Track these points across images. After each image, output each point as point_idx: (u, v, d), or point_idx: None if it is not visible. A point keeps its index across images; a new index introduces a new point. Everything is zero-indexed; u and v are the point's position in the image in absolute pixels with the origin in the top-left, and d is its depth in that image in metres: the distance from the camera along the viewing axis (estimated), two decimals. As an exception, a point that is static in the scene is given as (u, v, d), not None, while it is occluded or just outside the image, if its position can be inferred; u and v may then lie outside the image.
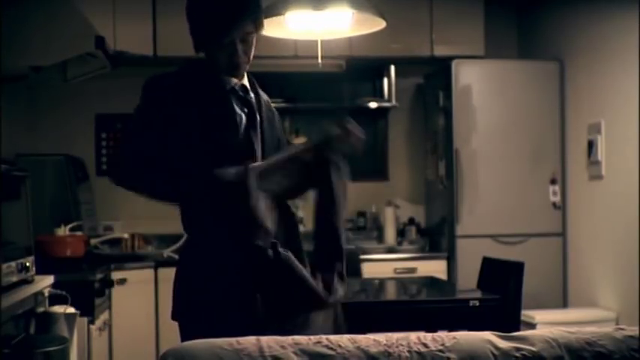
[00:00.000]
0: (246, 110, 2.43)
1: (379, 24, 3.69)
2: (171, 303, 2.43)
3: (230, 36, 2.35)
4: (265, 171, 2.31)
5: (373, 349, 1.91)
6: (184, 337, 2.30)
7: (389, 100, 5.57)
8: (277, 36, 3.82)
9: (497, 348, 1.96)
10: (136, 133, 2.36)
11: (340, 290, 2.36)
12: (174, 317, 2.42)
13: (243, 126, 2.41)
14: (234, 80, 2.44)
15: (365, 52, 5.20)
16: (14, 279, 3.03)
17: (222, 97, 2.41)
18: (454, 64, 5.17)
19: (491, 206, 5.15)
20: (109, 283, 4.16)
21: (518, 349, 1.97)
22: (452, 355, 1.93)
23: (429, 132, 5.66)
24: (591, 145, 4.83)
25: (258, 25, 2.41)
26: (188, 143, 2.33)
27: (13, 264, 3.02)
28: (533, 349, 1.97)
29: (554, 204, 5.20)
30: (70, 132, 5.44)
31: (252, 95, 2.47)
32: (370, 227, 5.70)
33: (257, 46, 2.47)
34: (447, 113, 5.23)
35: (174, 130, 2.32)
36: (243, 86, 2.45)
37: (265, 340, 1.91)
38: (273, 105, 2.62)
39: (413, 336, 2.01)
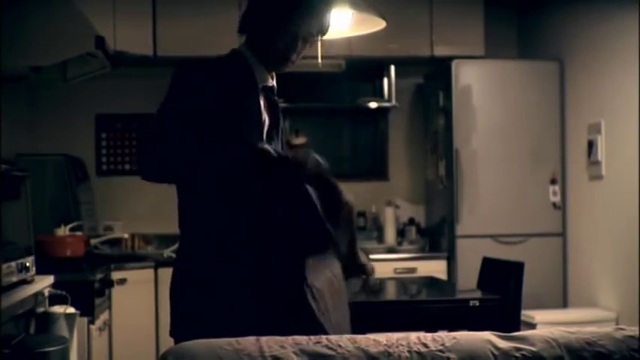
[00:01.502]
0: (270, 113, 2.38)
1: (379, 24, 3.69)
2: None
3: (303, 27, 2.29)
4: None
5: (373, 349, 1.91)
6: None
7: (389, 100, 5.57)
8: (277, 36, 3.81)
9: (497, 348, 1.96)
10: (162, 123, 2.22)
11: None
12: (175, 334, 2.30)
13: (266, 129, 2.36)
14: (268, 79, 2.37)
15: (365, 52, 5.20)
16: (14, 279, 3.03)
17: (253, 96, 2.33)
18: (454, 64, 5.17)
19: (491, 206, 5.15)
20: (109, 283, 4.16)
21: (518, 349, 1.97)
22: (452, 355, 1.93)
23: (429, 132, 5.66)
24: (591, 145, 4.83)
25: (323, 34, 2.37)
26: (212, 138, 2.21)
27: (13, 264, 3.02)
28: (533, 349, 1.97)
29: (554, 204, 5.20)
30: (70, 132, 5.44)
31: (277, 98, 2.42)
32: (370, 227, 5.70)
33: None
34: (447, 113, 5.23)
35: (199, 123, 2.20)
36: (273, 87, 2.40)
37: (265, 340, 1.91)
38: None
39: (413, 336, 2.01)
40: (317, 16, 2.31)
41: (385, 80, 5.59)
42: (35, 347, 2.83)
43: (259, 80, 2.35)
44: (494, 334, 2.02)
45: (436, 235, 5.49)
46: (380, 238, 5.63)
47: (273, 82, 2.40)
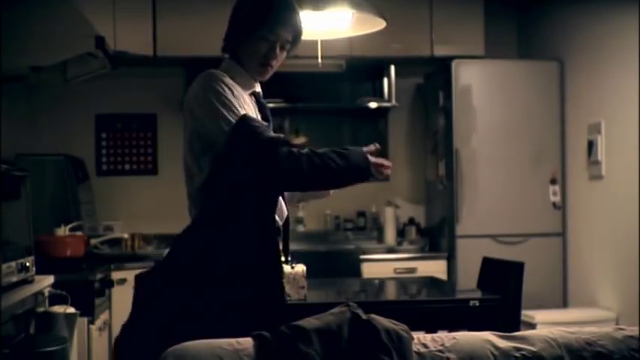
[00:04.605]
0: (262, 116, 2.52)
1: (379, 24, 3.69)
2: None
3: (278, 33, 2.43)
4: None
5: (373, 349, 1.91)
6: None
7: (389, 100, 5.57)
8: (277, 36, 3.82)
9: (497, 348, 1.96)
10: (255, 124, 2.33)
11: None
12: None
13: None
14: (255, 85, 2.52)
15: (365, 52, 5.20)
16: (14, 279, 3.03)
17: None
18: (454, 64, 5.17)
19: (491, 206, 5.15)
20: (109, 283, 4.16)
21: (518, 349, 1.97)
22: (452, 356, 1.93)
23: (429, 132, 5.66)
24: (591, 145, 4.83)
25: (297, 41, 2.53)
26: None
27: (13, 264, 3.02)
28: (533, 349, 1.97)
29: (554, 204, 5.20)
30: (70, 132, 5.44)
31: (264, 100, 2.56)
32: (370, 227, 5.70)
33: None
34: (447, 113, 5.23)
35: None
36: (259, 93, 2.54)
37: (265, 340, 1.90)
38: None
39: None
40: (287, 24, 2.46)
41: (385, 80, 5.59)
42: (35, 347, 2.84)
43: (247, 87, 2.49)
44: (494, 334, 2.02)
45: (436, 235, 5.49)
46: (380, 238, 5.63)
47: (259, 89, 2.55)
